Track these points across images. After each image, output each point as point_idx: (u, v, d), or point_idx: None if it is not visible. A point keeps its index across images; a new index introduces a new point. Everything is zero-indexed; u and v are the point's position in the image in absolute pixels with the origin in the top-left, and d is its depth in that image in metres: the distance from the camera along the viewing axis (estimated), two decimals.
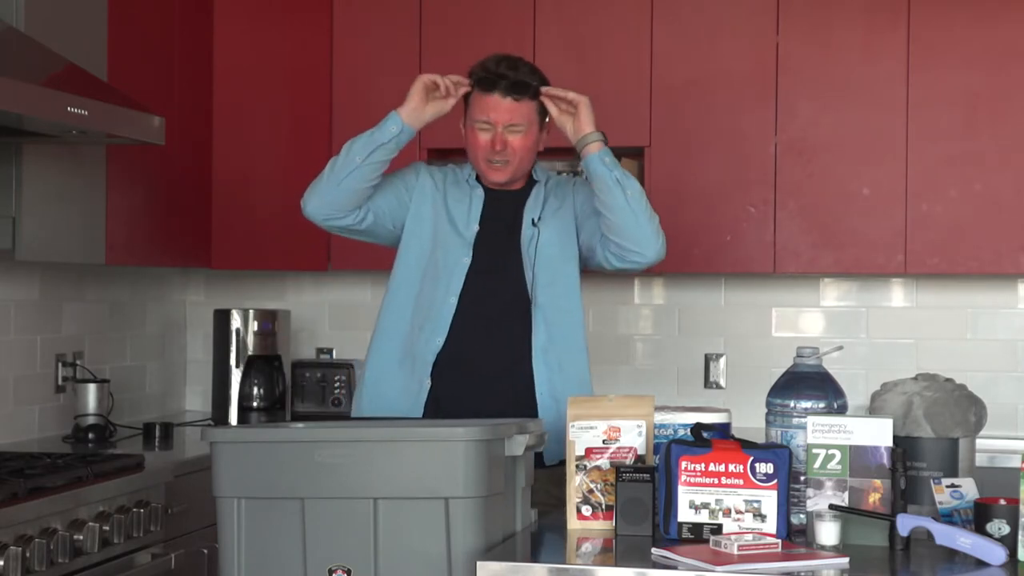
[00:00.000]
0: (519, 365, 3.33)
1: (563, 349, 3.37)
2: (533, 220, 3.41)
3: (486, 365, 3.34)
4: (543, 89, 3.35)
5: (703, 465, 2.65)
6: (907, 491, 2.62)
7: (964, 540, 2.47)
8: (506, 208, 3.43)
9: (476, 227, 3.40)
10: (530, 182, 3.48)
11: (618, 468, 2.74)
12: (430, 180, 3.46)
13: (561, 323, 3.38)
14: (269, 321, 4.83)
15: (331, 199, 3.34)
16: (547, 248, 3.39)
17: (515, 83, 3.34)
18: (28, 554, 2.99)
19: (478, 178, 3.45)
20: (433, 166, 3.55)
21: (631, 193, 3.28)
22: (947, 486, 2.69)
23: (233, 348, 4.79)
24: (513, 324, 3.36)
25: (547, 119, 3.39)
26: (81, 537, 3.21)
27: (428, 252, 3.40)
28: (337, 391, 4.84)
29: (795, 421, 2.77)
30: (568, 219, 3.44)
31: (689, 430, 2.78)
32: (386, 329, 3.40)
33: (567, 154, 4.73)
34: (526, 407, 3.29)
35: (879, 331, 4.85)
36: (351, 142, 3.35)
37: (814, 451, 2.64)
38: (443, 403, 3.29)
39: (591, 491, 2.78)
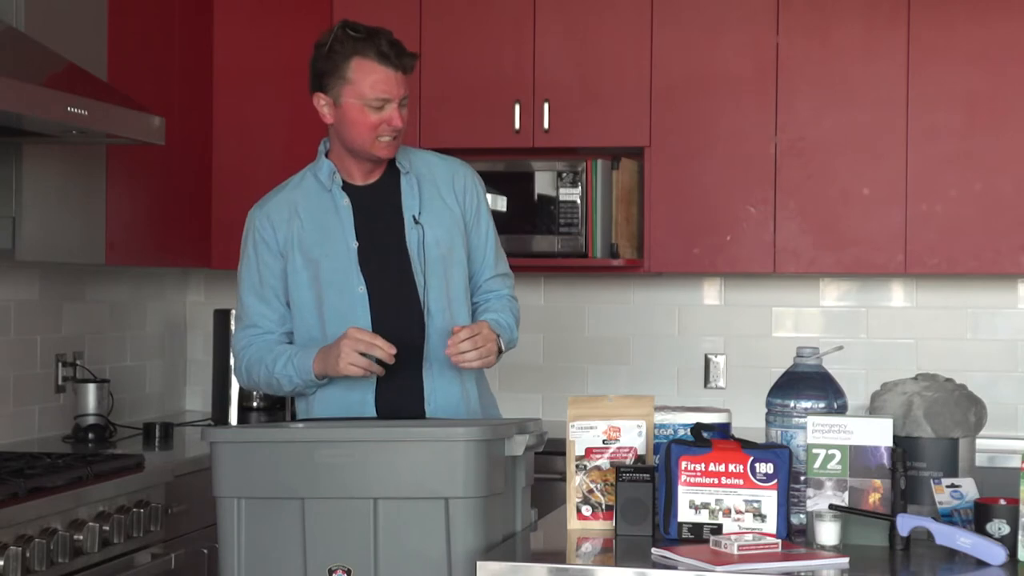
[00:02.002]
0: (412, 379, 3.18)
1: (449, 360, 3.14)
2: (414, 217, 3.22)
3: (383, 384, 3.17)
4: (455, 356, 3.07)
5: (703, 465, 2.65)
6: (907, 491, 2.62)
7: (964, 540, 2.47)
8: (379, 208, 3.23)
9: (355, 243, 3.19)
10: (392, 170, 3.25)
11: (618, 468, 2.74)
12: (281, 229, 3.20)
13: (449, 332, 3.12)
14: None
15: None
16: (434, 249, 3.21)
17: (409, 59, 3.17)
18: (28, 554, 2.99)
19: (342, 180, 3.23)
20: (270, 200, 3.27)
21: (517, 336, 3.29)
22: (947, 486, 2.69)
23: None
24: (410, 334, 3.17)
25: None
26: (81, 537, 3.21)
27: (317, 295, 3.19)
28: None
29: (795, 421, 2.77)
30: (456, 217, 3.25)
31: (689, 430, 2.78)
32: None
33: (567, 154, 4.75)
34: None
35: (879, 331, 4.85)
36: (270, 374, 3.17)
37: (814, 451, 2.64)
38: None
39: (591, 491, 2.78)
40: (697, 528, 2.64)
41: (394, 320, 3.18)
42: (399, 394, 3.18)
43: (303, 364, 3.13)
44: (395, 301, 3.20)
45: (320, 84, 3.18)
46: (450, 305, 3.21)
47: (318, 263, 3.19)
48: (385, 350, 3.02)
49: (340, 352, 3.04)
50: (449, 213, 3.25)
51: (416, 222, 3.21)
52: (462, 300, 3.25)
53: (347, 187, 3.24)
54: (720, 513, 2.62)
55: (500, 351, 3.17)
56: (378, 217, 3.22)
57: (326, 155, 3.27)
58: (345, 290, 3.18)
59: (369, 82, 3.13)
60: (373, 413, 3.17)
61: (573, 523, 2.78)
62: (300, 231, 3.21)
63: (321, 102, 3.19)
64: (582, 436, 2.81)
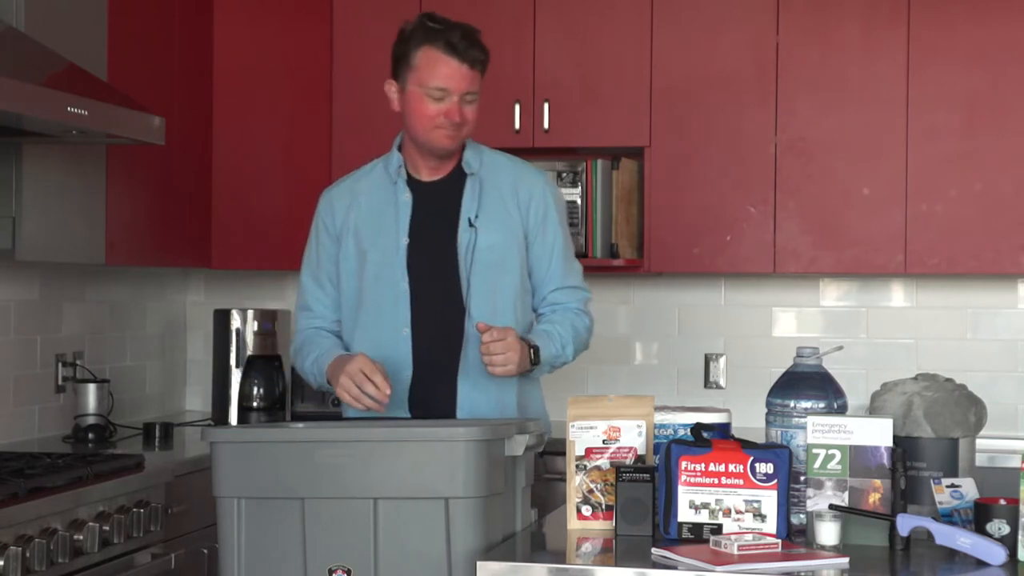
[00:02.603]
0: (446, 382, 3.17)
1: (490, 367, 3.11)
2: (470, 220, 3.19)
3: (417, 383, 3.18)
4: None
5: (703, 465, 2.65)
6: (907, 491, 2.62)
7: (964, 540, 2.47)
8: (438, 207, 3.21)
9: (406, 239, 3.18)
10: (459, 170, 3.23)
11: (618, 468, 2.74)
12: (340, 214, 3.23)
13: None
14: (269, 321, 4.83)
15: None
16: (486, 254, 3.17)
17: (477, 51, 3.14)
18: (28, 554, 2.99)
19: (409, 174, 3.23)
20: (338, 185, 3.31)
21: (573, 353, 3.23)
22: (947, 486, 2.69)
23: (233, 348, 4.79)
24: (449, 336, 3.16)
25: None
26: (81, 537, 3.21)
27: (359, 286, 3.20)
28: (335, 399, 4.83)
29: (795, 421, 2.77)
30: (515, 225, 3.22)
31: (689, 430, 2.78)
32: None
33: (567, 154, 4.75)
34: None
35: (879, 331, 4.85)
36: (302, 365, 3.25)
37: (814, 451, 2.64)
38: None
39: (591, 491, 2.78)
40: (697, 528, 2.64)
41: (433, 320, 3.17)
42: (433, 397, 3.17)
43: (323, 368, 3.16)
44: (437, 301, 3.17)
45: (393, 70, 3.20)
46: (495, 313, 3.16)
47: (366, 254, 3.20)
48: (375, 395, 2.99)
49: (339, 378, 3.05)
50: (509, 220, 3.21)
51: (471, 225, 3.18)
52: (509, 309, 3.19)
53: (412, 182, 3.23)
54: (720, 513, 2.62)
55: (534, 362, 3.13)
56: (435, 216, 3.20)
57: (398, 148, 3.26)
58: (388, 285, 3.17)
59: (431, 71, 3.11)
60: (407, 414, 3.15)
61: (573, 523, 2.78)
62: (357, 219, 3.22)
63: (392, 89, 3.20)
64: (582, 436, 2.81)
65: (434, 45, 3.12)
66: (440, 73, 3.11)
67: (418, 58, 3.13)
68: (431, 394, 3.17)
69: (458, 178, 3.24)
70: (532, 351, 3.13)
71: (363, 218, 3.22)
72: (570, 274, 3.30)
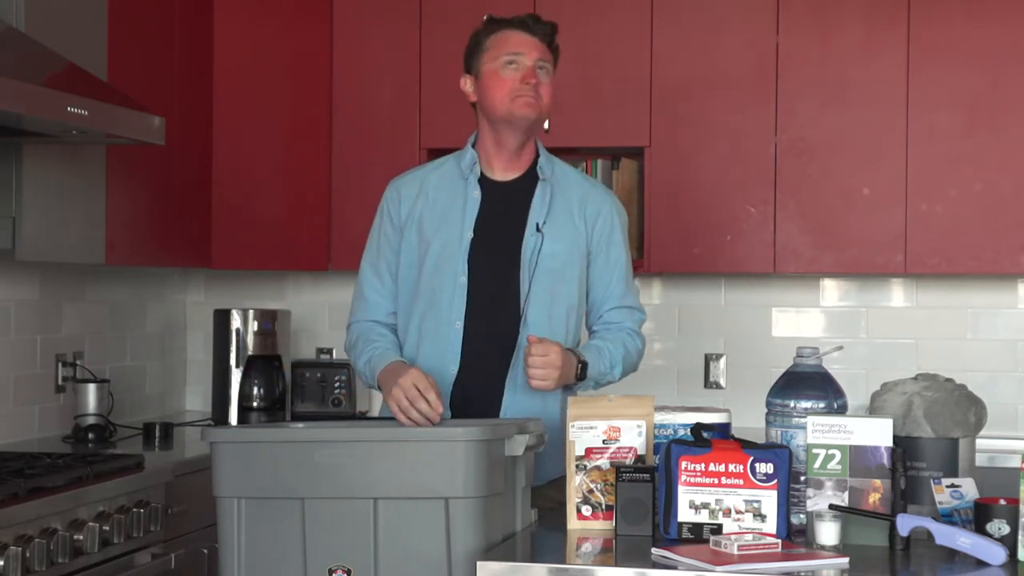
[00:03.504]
0: (493, 383, 3.14)
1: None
2: (537, 225, 3.17)
3: (462, 380, 3.14)
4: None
5: (703, 465, 2.65)
6: (907, 491, 2.62)
7: (964, 540, 2.47)
8: (507, 207, 3.20)
9: (470, 234, 3.16)
10: (532, 173, 3.23)
11: (618, 468, 2.74)
12: (407, 204, 3.22)
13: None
14: (269, 321, 4.83)
15: None
16: (548, 261, 3.15)
17: (545, 26, 3.22)
18: (28, 554, 2.99)
19: (481, 172, 3.21)
20: (407, 175, 3.30)
21: (620, 373, 3.21)
22: (947, 486, 2.69)
23: (233, 348, 4.79)
24: (501, 337, 3.14)
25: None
26: (81, 537, 3.21)
27: (417, 278, 3.18)
28: (337, 391, 4.84)
29: (795, 421, 2.77)
30: (579, 238, 3.19)
31: (689, 430, 2.78)
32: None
33: (567, 154, 4.74)
34: None
35: (879, 331, 4.85)
36: (355, 362, 3.23)
37: (814, 451, 2.64)
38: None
39: (591, 491, 2.78)
40: (697, 528, 2.64)
41: (487, 319, 3.15)
42: (477, 398, 3.13)
43: (376, 371, 3.12)
44: (494, 301, 3.15)
45: (467, 66, 3.23)
46: (551, 321, 3.14)
47: (428, 245, 3.17)
48: (427, 413, 2.91)
49: (391, 388, 2.97)
50: (574, 231, 3.19)
51: (538, 230, 3.16)
52: (563, 320, 3.17)
53: (483, 181, 3.22)
54: (720, 513, 2.62)
55: (580, 377, 3.10)
56: (503, 216, 3.19)
57: (472, 145, 3.26)
58: (447, 277, 3.14)
59: (503, 44, 3.17)
60: (448, 412, 3.09)
61: (573, 523, 2.78)
62: (423, 210, 3.20)
63: (467, 83, 3.22)
64: (582, 436, 2.81)
65: (504, 27, 3.20)
66: (511, 42, 3.17)
67: (489, 41, 3.20)
68: (475, 394, 3.13)
69: (530, 181, 3.22)
70: (580, 366, 3.10)
71: (429, 209, 3.21)
72: (628, 294, 3.28)
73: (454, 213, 3.19)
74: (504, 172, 3.23)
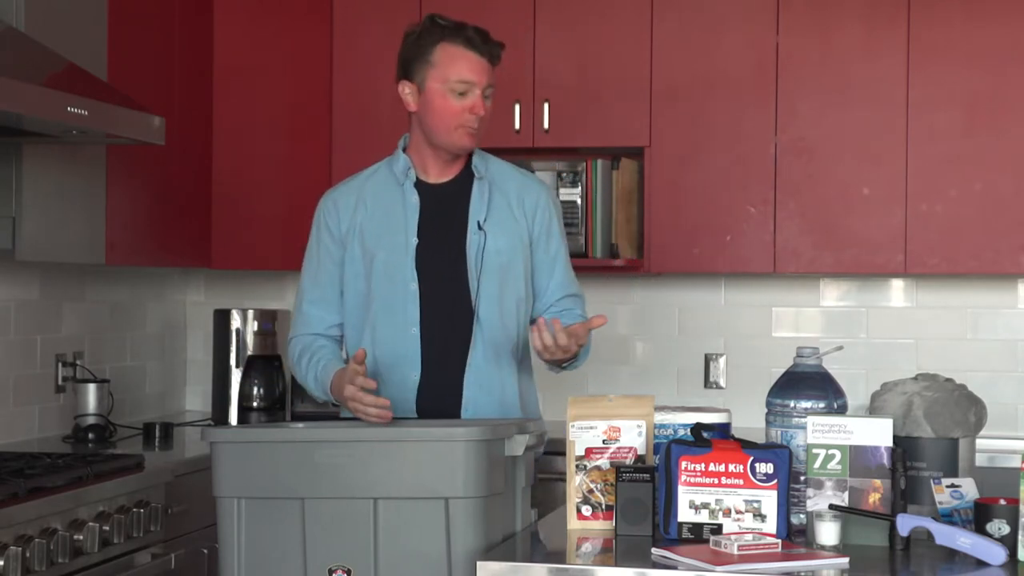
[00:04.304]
0: (451, 383, 3.17)
1: (494, 369, 3.18)
2: (479, 223, 3.19)
3: (425, 384, 3.17)
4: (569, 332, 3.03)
5: (703, 465, 2.65)
6: (907, 491, 2.62)
7: (964, 540, 2.47)
8: (446, 209, 3.21)
9: (415, 240, 3.17)
10: (467, 173, 3.23)
11: (618, 468, 2.74)
12: (346, 217, 3.22)
13: (497, 341, 3.18)
14: (269, 321, 4.83)
15: None
16: (494, 257, 3.18)
17: (495, 47, 3.16)
18: (28, 554, 2.99)
19: (416, 176, 3.21)
20: (341, 186, 3.29)
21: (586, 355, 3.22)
22: (947, 486, 2.69)
23: (233, 348, 4.79)
24: (455, 338, 3.17)
25: None
26: (81, 537, 3.21)
27: (367, 288, 3.20)
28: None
29: (795, 421, 2.77)
30: (521, 231, 3.22)
31: (689, 430, 2.78)
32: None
33: (567, 154, 4.75)
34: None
35: (879, 331, 4.85)
36: (303, 379, 3.25)
37: (814, 451, 2.64)
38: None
39: (591, 491, 2.78)
40: (697, 528, 2.64)
41: (441, 321, 3.17)
42: (439, 397, 3.16)
43: (327, 389, 3.15)
44: (445, 303, 3.18)
45: (406, 71, 3.18)
46: (502, 316, 3.19)
47: (374, 255, 3.19)
48: (379, 415, 2.95)
49: (346, 401, 3.03)
50: (515, 225, 3.22)
51: (480, 228, 3.18)
52: (513, 313, 3.21)
53: (419, 184, 3.22)
54: (720, 513, 2.62)
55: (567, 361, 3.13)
56: (443, 218, 3.20)
57: (404, 150, 3.25)
58: (397, 285, 3.16)
59: (453, 66, 3.11)
60: (415, 414, 3.15)
61: (573, 523, 2.78)
62: (363, 221, 3.21)
63: (406, 90, 3.18)
64: (582, 436, 2.81)
65: (453, 41, 3.13)
66: (463, 67, 3.12)
67: (437, 54, 3.13)
68: (437, 394, 3.17)
69: (465, 181, 3.24)
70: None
71: (370, 219, 3.22)
72: (571, 283, 3.34)
73: (395, 220, 3.20)
74: (439, 175, 3.24)
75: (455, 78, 3.11)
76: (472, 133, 3.15)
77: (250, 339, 4.79)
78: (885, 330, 4.84)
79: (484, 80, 3.13)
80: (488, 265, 3.18)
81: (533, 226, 3.25)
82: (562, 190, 4.61)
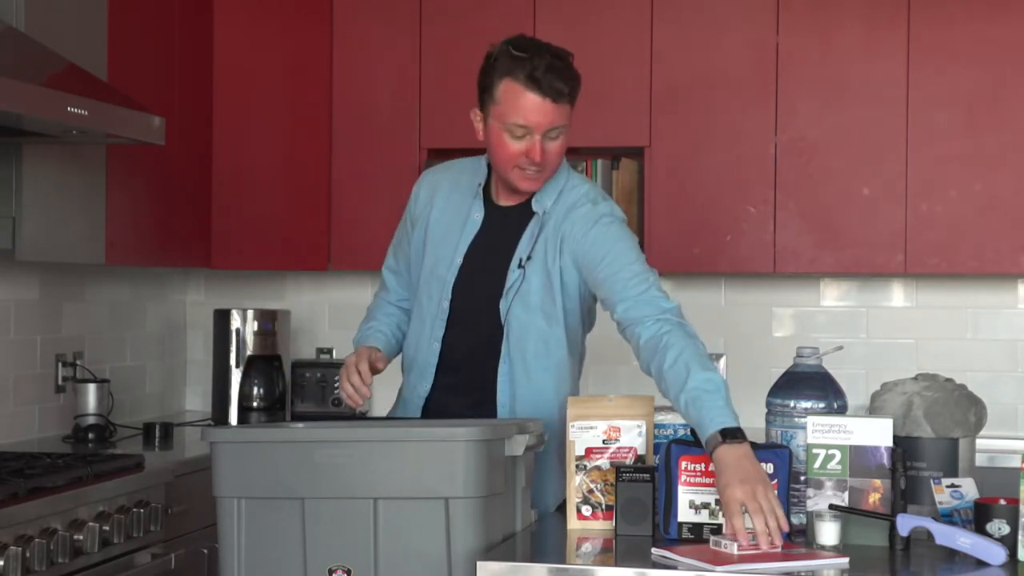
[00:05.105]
0: (458, 408, 3.09)
1: (525, 406, 3.05)
2: (521, 260, 3.05)
3: (432, 400, 3.13)
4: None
5: (703, 465, 2.66)
6: (907, 491, 2.62)
7: (964, 540, 2.47)
8: (501, 235, 3.09)
9: (460, 260, 3.09)
10: (528, 207, 3.08)
11: (618, 468, 2.74)
12: (423, 202, 3.19)
13: (529, 382, 3.05)
14: (269, 321, 4.83)
15: None
16: (526, 297, 3.04)
17: (564, 86, 2.96)
18: (28, 554, 2.99)
19: (487, 189, 3.12)
20: (436, 170, 3.25)
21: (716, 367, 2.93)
22: (947, 486, 2.69)
23: (233, 348, 4.79)
24: (482, 374, 3.08)
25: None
26: (81, 537, 3.21)
27: (417, 276, 3.18)
28: (337, 391, 4.83)
29: (795, 421, 2.77)
30: (552, 276, 3.03)
31: (689, 430, 2.78)
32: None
33: (568, 154, 4.72)
34: None
35: (879, 331, 4.85)
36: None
37: (814, 451, 2.64)
38: None
39: (591, 491, 2.78)
40: (697, 528, 2.64)
41: (464, 353, 3.11)
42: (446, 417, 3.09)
43: (359, 344, 3.22)
44: (471, 333, 3.10)
45: (479, 98, 3.03)
46: (524, 358, 3.05)
47: (425, 252, 3.17)
48: (353, 396, 3.00)
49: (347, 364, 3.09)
50: (553, 266, 3.04)
51: (520, 265, 3.05)
52: (543, 356, 3.06)
53: (487, 202, 3.12)
54: (720, 513, 2.62)
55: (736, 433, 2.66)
56: (494, 245, 3.09)
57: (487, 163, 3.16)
58: (432, 297, 3.12)
59: (511, 107, 2.93)
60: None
61: (573, 523, 2.78)
62: (430, 216, 3.17)
63: (476, 118, 3.04)
64: (582, 436, 2.81)
65: (515, 78, 2.93)
66: (520, 109, 2.93)
67: (499, 91, 2.95)
68: (443, 416, 3.08)
69: (526, 211, 3.09)
70: (731, 432, 2.67)
71: (437, 219, 3.16)
72: (638, 283, 3.03)
73: (453, 231, 3.14)
74: (507, 199, 3.12)
75: (511, 120, 2.94)
76: (529, 177, 2.99)
77: (250, 339, 4.79)
78: (885, 330, 4.84)
79: (544, 124, 2.94)
80: (519, 303, 3.04)
81: (582, 266, 3.03)
82: None
